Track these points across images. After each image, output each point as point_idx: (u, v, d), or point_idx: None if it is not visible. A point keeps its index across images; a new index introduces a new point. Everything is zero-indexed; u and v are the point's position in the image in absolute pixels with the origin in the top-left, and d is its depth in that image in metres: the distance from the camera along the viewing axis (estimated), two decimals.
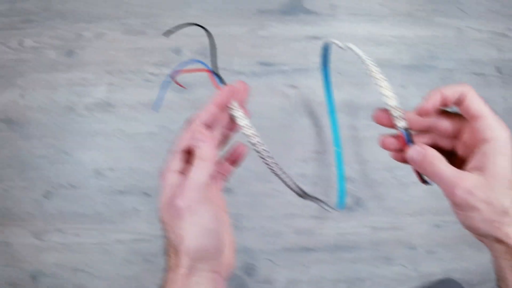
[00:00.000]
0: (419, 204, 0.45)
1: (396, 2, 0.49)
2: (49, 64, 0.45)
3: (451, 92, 0.19)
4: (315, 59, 0.43)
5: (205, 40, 0.45)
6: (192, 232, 0.19)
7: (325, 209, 0.36)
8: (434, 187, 0.43)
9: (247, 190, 0.44)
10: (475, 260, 0.46)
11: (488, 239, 0.19)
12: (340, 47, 0.23)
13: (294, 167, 0.44)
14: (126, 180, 0.44)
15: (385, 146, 0.22)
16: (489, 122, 0.19)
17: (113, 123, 0.44)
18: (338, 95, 0.44)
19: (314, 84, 0.44)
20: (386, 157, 0.42)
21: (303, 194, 0.25)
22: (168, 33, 0.18)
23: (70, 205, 0.45)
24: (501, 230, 0.18)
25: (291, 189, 0.23)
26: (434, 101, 0.20)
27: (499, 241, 0.19)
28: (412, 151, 0.20)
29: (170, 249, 0.21)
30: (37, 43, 0.46)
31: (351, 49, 0.21)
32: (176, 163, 0.21)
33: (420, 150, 0.20)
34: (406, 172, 0.45)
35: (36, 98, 0.46)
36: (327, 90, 0.34)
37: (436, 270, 0.45)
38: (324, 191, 0.43)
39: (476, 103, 0.19)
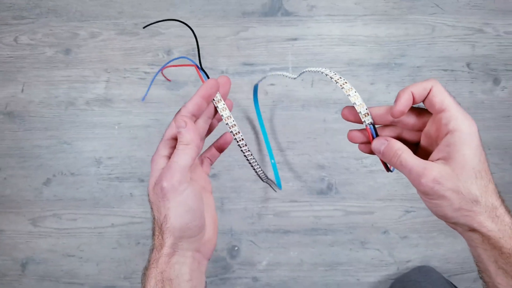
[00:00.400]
0: (387, 190, 0.62)
1: (371, 1, 0.64)
2: (47, 61, 0.63)
3: (419, 90, 0.26)
4: (292, 59, 0.62)
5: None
6: (177, 211, 0.28)
7: (274, 189, 0.57)
8: (401, 176, 0.66)
9: (231, 176, 0.62)
10: (451, 248, 0.64)
11: (462, 228, 0.26)
12: (292, 77, 0.35)
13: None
14: (123, 167, 0.62)
15: (352, 140, 0.31)
16: (453, 114, 0.25)
17: (111, 117, 0.62)
18: (312, 91, 0.62)
19: (290, 83, 0.62)
20: (354, 147, 0.52)
21: (264, 178, 0.38)
22: (147, 26, 0.26)
23: (69, 191, 0.62)
24: (473, 218, 0.25)
25: (256, 172, 0.36)
26: (405, 103, 0.27)
27: (473, 230, 0.26)
28: (376, 143, 0.29)
29: (156, 228, 0.30)
30: (33, 40, 0.63)
31: (304, 72, 0.32)
32: (165, 149, 0.30)
33: (383, 141, 0.28)
34: (373, 160, 0.63)
35: (36, 93, 0.63)
36: (257, 111, 0.54)
37: (412, 256, 0.63)
38: (299, 175, 0.62)
39: (439, 97, 0.26)
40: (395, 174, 0.62)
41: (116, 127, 0.62)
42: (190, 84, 0.62)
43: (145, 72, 0.62)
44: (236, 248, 0.62)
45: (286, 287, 0.63)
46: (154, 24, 0.62)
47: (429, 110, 0.28)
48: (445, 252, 0.64)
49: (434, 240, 0.64)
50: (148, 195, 0.31)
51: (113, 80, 0.62)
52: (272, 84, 0.62)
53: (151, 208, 0.31)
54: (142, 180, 0.63)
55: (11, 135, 0.63)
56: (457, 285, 0.58)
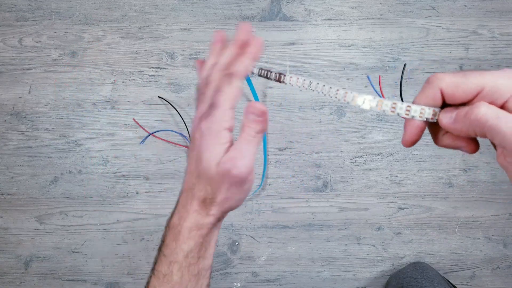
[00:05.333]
0: (380, 188, 0.74)
1: (367, 5, 0.75)
2: (54, 64, 0.74)
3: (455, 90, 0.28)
4: (290, 63, 0.75)
5: (197, 45, 0.89)
6: (239, 197, 0.35)
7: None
8: (393, 174, 0.87)
9: None
10: (445, 245, 0.74)
11: None
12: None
13: (270, 155, 0.75)
14: (129, 166, 0.75)
15: (410, 139, 0.31)
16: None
17: (118, 117, 0.75)
18: (308, 94, 0.75)
19: (287, 86, 0.69)
20: (348, 147, 0.77)
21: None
22: None
23: (76, 189, 0.73)
24: None
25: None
26: (414, 132, 0.30)
27: None
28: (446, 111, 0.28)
29: (192, 197, 0.35)
30: (38, 42, 0.75)
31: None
32: (228, 120, 0.34)
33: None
34: (366, 159, 0.75)
35: (44, 95, 0.75)
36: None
37: (407, 252, 0.74)
38: (296, 173, 0.74)
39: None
40: (387, 172, 0.81)
41: (123, 127, 0.75)
42: (193, 87, 0.75)
43: (150, 75, 0.74)
44: (236, 243, 0.81)
45: (284, 282, 0.75)
46: (158, 28, 0.81)
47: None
48: (439, 248, 0.74)
49: (427, 236, 0.79)
50: (202, 171, 0.34)
51: (119, 82, 0.79)
52: (270, 87, 0.76)
53: (190, 174, 0.35)
54: (148, 178, 0.75)
55: (19, 135, 0.81)
56: (453, 283, 0.68)
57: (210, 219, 0.36)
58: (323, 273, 0.78)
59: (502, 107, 0.27)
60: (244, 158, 0.33)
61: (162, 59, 0.76)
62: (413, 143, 0.31)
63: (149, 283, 0.38)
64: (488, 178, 0.80)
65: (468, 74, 0.28)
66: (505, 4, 0.80)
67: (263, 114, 0.34)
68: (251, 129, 0.34)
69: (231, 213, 0.86)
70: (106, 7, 0.78)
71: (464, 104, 0.30)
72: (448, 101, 0.29)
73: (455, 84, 0.29)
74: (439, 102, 0.30)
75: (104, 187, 0.76)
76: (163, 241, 0.38)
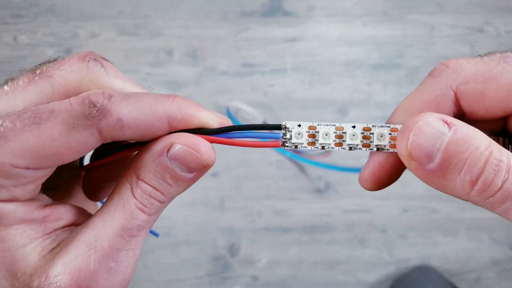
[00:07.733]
0: (384, 189, 0.87)
1: (371, 0, 0.74)
2: None
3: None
4: (291, 60, 0.74)
5: (195, 42, 0.86)
6: None
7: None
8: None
9: (230, 175, 0.73)
10: (450, 247, 0.72)
11: None
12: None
13: (271, 154, 0.73)
14: None
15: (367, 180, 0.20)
16: None
17: None
18: (311, 92, 0.73)
19: (288, 83, 0.72)
20: None
21: None
22: None
23: None
24: None
25: None
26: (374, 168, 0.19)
27: None
28: (423, 138, 0.15)
29: None
30: (33, 40, 0.73)
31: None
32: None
33: (442, 129, 0.15)
34: None
35: None
36: None
37: (411, 255, 0.72)
38: (297, 174, 0.73)
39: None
40: None
41: None
42: (191, 84, 0.74)
43: (147, 73, 0.72)
44: (236, 246, 0.77)
45: (285, 286, 0.73)
46: (155, 24, 0.78)
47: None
48: (444, 251, 0.73)
49: (432, 239, 0.76)
50: None
51: None
52: (271, 85, 0.74)
53: None
54: None
55: None
56: (458, 286, 0.67)
57: None
58: (326, 276, 0.76)
59: None
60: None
61: (159, 56, 0.73)
62: (374, 183, 0.18)
63: None
64: None
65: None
66: (511, 1, 0.78)
67: (204, 169, 0.18)
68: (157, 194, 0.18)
69: (230, 215, 0.82)
70: (102, 4, 0.75)
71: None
72: (470, 113, 0.17)
73: (485, 77, 0.16)
74: (450, 114, 0.17)
75: None
76: None
